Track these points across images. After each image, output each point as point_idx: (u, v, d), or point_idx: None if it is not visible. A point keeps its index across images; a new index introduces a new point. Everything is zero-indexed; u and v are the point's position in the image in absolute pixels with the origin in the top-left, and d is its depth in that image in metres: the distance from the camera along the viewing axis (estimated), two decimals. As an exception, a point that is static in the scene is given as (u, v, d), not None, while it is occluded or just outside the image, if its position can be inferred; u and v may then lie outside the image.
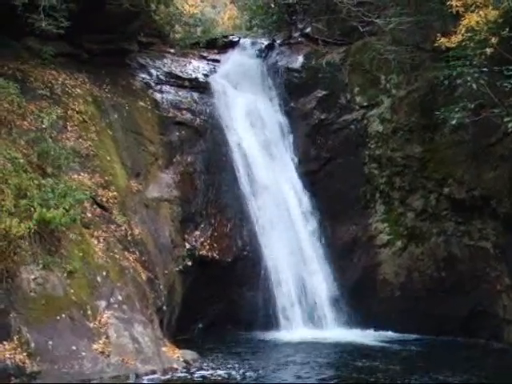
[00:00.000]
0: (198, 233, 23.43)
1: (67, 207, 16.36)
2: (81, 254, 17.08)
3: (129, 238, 19.69)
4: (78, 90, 22.52)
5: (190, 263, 22.60)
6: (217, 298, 23.55)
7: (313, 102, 26.50)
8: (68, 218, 16.14)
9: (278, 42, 30.36)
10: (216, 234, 23.72)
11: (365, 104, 25.14)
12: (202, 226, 23.60)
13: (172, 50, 28.61)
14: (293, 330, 23.50)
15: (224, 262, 23.50)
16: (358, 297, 23.46)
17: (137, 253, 19.60)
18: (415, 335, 22.58)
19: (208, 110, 26.00)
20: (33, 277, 15.60)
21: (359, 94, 25.46)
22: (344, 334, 22.90)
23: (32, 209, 16.22)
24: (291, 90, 27.27)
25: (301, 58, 28.16)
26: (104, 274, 17.22)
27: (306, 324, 23.77)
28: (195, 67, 27.83)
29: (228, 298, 23.77)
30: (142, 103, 24.52)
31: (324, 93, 26.33)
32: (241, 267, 23.74)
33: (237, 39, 30.50)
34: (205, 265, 23.12)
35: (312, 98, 26.57)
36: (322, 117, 26.09)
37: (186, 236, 23.14)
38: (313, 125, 26.29)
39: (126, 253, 19.02)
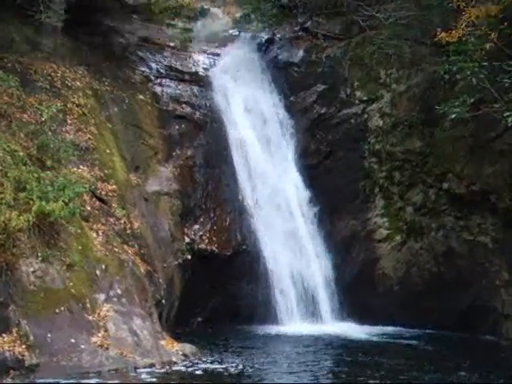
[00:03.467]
0: (197, 226, 23.40)
1: (66, 200, 16.29)
2: (80, 247, 17.02)
3: (128, 232, 19.64)
4: (78, 83, 22.38)
5: (189, 257, 22.58)
6: (216, 291, 23.56)
7: (313, 97, 26.44)
8: (67, 211, 16.10)
9: (278, 36, 30.11)
10: (215, 227, 23.69)
11: (365, 98, 25.09)
12: (202, 219, 23.57)
13: (171, 44, 28.33)
14: (291, 324, 23.57)
15: (223, 255, 23.49)
16: (357, 291, 23.45)
17: (136, 246, 19.55)
18: (414, 330, 22.58)
19: (208, 104, 25.90)
20: (32, 270, 15.56)
21: (359, 89, 25.41)
22: (342, 328, 22.97)
23: (31, 202, 16.14)
24: (291, 85, 27.19)
25: (301, 52, 28.02)
26: (103, 267, 17.16)
27: (305, 318, 23.83)
28: (195, 61, 27.65)
29: (227, 291, 23.78)
30: (141, 96, 24.42)
31: (324, 87, 26.27)
32: (240, 261, 23.73)
33: (237, 33, 30.25)
34: (204, 258, 23.13)
35: (312, 93, 26.51)
36: (322, 111, 26.02)
37: (186, 230, 23.12)
38: (313, 119, 26.24)
39: (125, 246, 18.97)
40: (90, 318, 15.82)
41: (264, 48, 29.45)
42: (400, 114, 23.53)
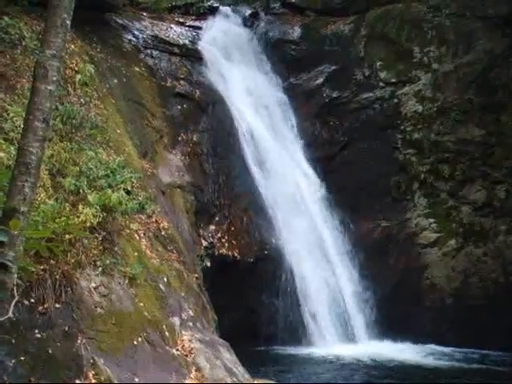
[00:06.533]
0: (213, 227, 19.21)
1: (129, 188, 11.74)
2: (135, 254, 12.51)
3: (163, 233, 15.32)
4: (72, 47, 17.83)
5: (208, 264, 18.25)
6: (232, 306, 19.32)
7: (319, 78, 22.89)
8: (136, 205, 11.56)
9: (261, 10, 26.68)
10: (233, 228, 19.52)
11: (393, 80, 21.63)
12: (217, 218, 19.41)
13: (144, 14, 24.32)
14: (320, 345, 19.65)
15: (245, 262, 19.32)
16: (397, 305, 19.91)
17: (175, 252, 15.20)
18: (473, 350, 19.08)
19: (206, 82, 21.85)
20: (93, 285, 11.05)
21: (383, 69, 21.96)
22: (383, 349, 19.27)
23: (81, 191, 11.53)
24: (288, 64, 23.65)
25: (298, 29, 24.51)
26: (165, 279, 12.84)
27: (337, 337, 19.96)
28: (179, 33, 23.71)
29: (245, 306, 19.69)
30: (136, 68, 20.35)
31: (334, 68, 22.77)
32: (261, 269, 19.67)
33: (217, 5, 26.46)
34: (224, 266, 18.85)
35: (318, 74, 22.97)
36: (334, 95, 22.46)
37: (201, 231, 18.84)
38: (322, 104, 22.60)
39: (168, 251, 14.57)
40: (174, 351, 11.43)
41: (250, 23, 25.64)
42: (447, 97, 20.19)
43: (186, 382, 10.99)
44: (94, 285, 11.12)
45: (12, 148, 10.77)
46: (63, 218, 10.33)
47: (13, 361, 9.09)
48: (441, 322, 19.46)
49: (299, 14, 25.99)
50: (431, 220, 20.11)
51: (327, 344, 19.75)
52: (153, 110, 19.63)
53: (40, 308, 9.84)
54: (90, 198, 11.37)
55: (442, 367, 17.87)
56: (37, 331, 9.62)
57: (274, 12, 26.29)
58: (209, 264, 18.38)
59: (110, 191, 11.62)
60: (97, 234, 11.69)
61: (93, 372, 10.02)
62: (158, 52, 21.85)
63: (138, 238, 13.85)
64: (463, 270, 19.70)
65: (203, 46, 23.47)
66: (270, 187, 21.01)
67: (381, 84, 21.75)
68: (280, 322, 19.79)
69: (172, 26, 24.29)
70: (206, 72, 22.48)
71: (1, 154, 10.66)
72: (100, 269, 11.35)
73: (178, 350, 11.54)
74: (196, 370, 11.32)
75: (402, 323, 19.60)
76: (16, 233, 5.63)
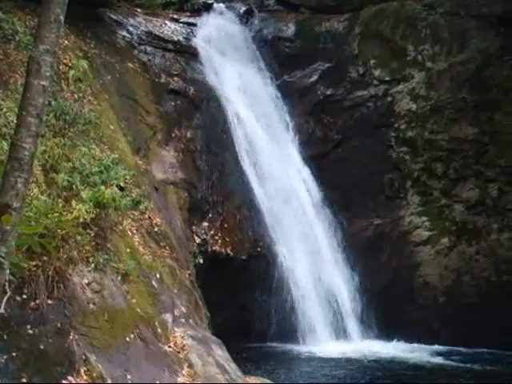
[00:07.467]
0: (206, 224, 19.21)
1: (122, 184, 11.72)
2: (128, 250, 12.50)
3: (156, 229, 15.32)
4: (66, 42, 17.80)
5: (201, 261, 18.24)
6: (225, 302, 19.34)
7: (314, 76, 22.82)
8: (129, 201, 11.55)
9: (255, 7, 26.68)
10: (226, 225, 19.54)
11: (387, 78, 21.60)
12: (210, 215, 19.40)
13: (139, 10, 24.30)
14: (313, 343, 19.69)
15: (238, 259, 19.32)
16: (390, 303, 19.89)
17: (167, 248, 15.21)
18: (465, 349, 19.10)
19: (200, 79, 21.83)
20: (86, 281, 11.01)
21: (377, 67, 21.92)
22: (376, 347, 19.31)
23: (74, 187, 11.51)
24: (282, 62, 23.56)
25: (292, 26, 24.43)
26: (158, 276, 12.82)
27: (329, 335, 19.98)
28: (173, 29, 23.65)
29: (238, 303, 19.72)
30: (130, 64, 20.27)
31: (328, 65, 22.68)
32: (254, 266, 19.69)
33: (211, 2, 26.46)
34: (217, 263, 18.86)
35: (312, 71, 22.90)
36: (328, 92, 22.41)
37: (194, 228, 18.83)
38: (316, 101, 22.54)
39: (160, 248, 14.57)
40: (167, 348, 11.42)
41: (245, 20, 25.62)
42: (441, 96, 20.16)
43: (178, 378, 10.98)
44: (86, 281, 11.09)
45: (5, 143, 10.73)
46: (56, 214, 10.30)
47: (5, 357, 9.07)
48: (433, 321, 19.51)
49: (293, 12, 25.92)
50: (424, 218, 20.14)
51: (320, 342, 19.78)
52: (146, 106, 19.61)
53: (32, 304, 9.82)
54: (83, 194, 11.34)
55: (434, 365, 17.92)
56: (29, 327, 9.60)
57: (268, 9, 26.22)
58: (201, 261, 18.35)
59: (103, 187, 11.58)
60: (89, 230, 11.65)
61: (85, 368, 10.00)
62: (151, 48, 21.79)
63: (130, 234, 13.84)
64: (456, 268, 19.74)
65: (197, 42, 23.44)
66: (263, 184, 20.99)
67: (375, 82, 21.73)
68: (272, 320, 19.81)
69: (166, 22, 24.23)
70: (200, 69, 22.44)
71: (-7, 150, 10.64)
72: (92, 265, 11.32)
73: (170, 346, 11.55)
74: (188, 367, 11.32)
75: (395, 321, 19.64)
76: (8, 228, 5.61)
